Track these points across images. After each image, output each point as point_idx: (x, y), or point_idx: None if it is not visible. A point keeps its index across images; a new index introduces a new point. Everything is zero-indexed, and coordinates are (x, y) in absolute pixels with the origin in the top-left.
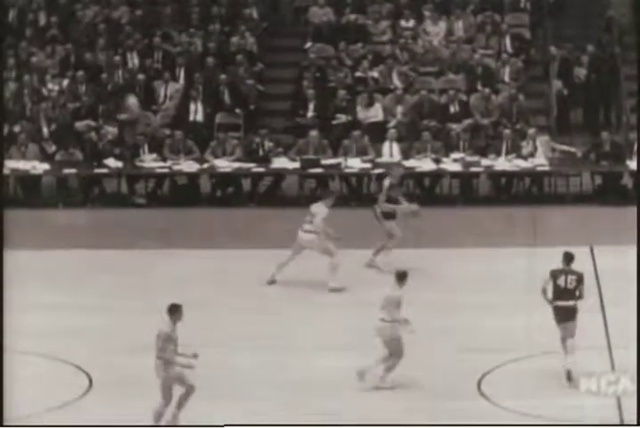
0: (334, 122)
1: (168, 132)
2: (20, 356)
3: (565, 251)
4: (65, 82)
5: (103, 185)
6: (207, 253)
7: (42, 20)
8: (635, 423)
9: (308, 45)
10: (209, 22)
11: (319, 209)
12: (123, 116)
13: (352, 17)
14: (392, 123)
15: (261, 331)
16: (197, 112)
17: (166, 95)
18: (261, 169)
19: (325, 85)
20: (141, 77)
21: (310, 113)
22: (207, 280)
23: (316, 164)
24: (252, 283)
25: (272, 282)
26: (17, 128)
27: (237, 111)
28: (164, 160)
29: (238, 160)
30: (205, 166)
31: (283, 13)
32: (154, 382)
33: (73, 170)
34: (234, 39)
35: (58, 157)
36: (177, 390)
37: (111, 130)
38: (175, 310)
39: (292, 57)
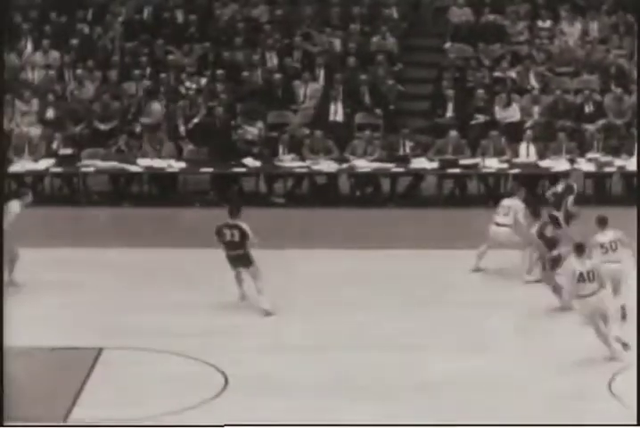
0: (472, 122)
1: (307, 131)
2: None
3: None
4: (203, 81)
5: (241, 183)
6: (348, 253)
7: (180, 18)
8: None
9: (447, 45)
10: (349, 22)
11: (514, 203)
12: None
13: (491, 17)
14: (529, 123)
15: None
16: (337, 113)
17: (305, 95)
18: (400, 169)
19: (464, 85)
20: (279, 76)
21: (449, 113)
22: (351, 280)
23: (455, 164)
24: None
25: (477, 269)
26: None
27: (377, 111)
28: (303, 159)
29: (377, 160)
30: (344, 166)
31: (423, 13)
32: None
33: (210, 169)
34: (375, 39)
35: (185, 155)
36: None
37: (250, 129)
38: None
39: (432, 57)
